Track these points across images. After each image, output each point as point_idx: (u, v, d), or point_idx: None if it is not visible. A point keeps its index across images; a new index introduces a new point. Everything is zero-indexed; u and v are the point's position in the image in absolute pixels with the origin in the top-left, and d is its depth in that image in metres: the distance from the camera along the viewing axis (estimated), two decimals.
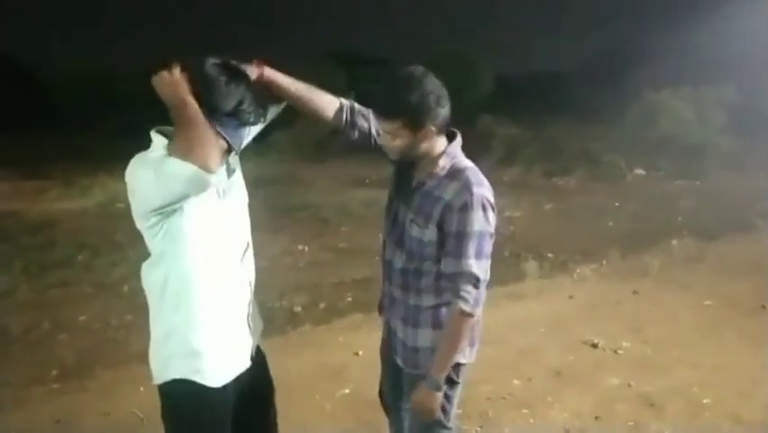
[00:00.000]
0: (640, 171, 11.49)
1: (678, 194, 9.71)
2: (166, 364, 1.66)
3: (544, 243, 6.47)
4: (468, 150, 1.82)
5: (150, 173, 1.45)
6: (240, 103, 1.53)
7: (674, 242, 6.66)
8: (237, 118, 1.53)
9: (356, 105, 1.88)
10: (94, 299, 4.63)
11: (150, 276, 1.63)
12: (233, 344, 1.73)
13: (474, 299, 1.70)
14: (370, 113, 1.86)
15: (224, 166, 1.67)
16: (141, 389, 3.15)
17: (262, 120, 1.65)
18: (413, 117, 1.65)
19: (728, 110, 13.49)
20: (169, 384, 1.66)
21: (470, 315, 1.72)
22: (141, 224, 1.57)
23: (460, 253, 1.69)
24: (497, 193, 1.77)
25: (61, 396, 3.30)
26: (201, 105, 1.47)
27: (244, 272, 1.75)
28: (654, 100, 14.22)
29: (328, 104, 1.83)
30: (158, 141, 1.55)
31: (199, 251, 1.60)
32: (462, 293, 1.69)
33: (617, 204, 8.89)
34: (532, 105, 16.70)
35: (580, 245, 6.39)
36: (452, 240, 1.69)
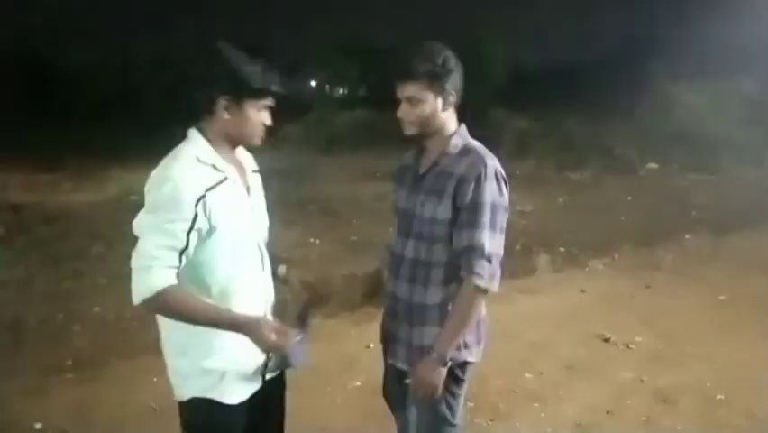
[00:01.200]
0: (653, 165, 11.39)
1: (692, 188, 9.62)
2: (185, 382, 1.63)
3: (556, 237, 6.45)
4: (480, 143, 1.82)
5: None
6: (264, 72, 1.55)
7: (688, 236, 6.60)
8: (266, 89, 1.55)
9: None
10: (108, 290, 4.66)
11: None
12: (250, 358, 1.65)
13: (488, 275, 1.68)
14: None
15: (247, 164, 1.72)
16: (155, 379, 3.18)
17: (285, 89, 1.63)
18: (438, 75, 1.70)
19: (745, 103, 13.31)
20: (186, 401, 1.65)
21: (485, 291, 1.70)
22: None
23: (473, 224, 1.67)
24: (509, 187, 1.76)
25: (76, 386, 3.34)
26: (230, 86, 1.51)
27: (263, 282, 1.71)
28: (669, 93, 14.07)
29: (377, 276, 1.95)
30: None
31: (227, 257, 1.56)
32: (476, 269, 1.67)
33: (629, 198, 8.83)
34: (544, 97, 16.54)
35: (592, 239, 6.36)
36: (465, 212, 1.68)
